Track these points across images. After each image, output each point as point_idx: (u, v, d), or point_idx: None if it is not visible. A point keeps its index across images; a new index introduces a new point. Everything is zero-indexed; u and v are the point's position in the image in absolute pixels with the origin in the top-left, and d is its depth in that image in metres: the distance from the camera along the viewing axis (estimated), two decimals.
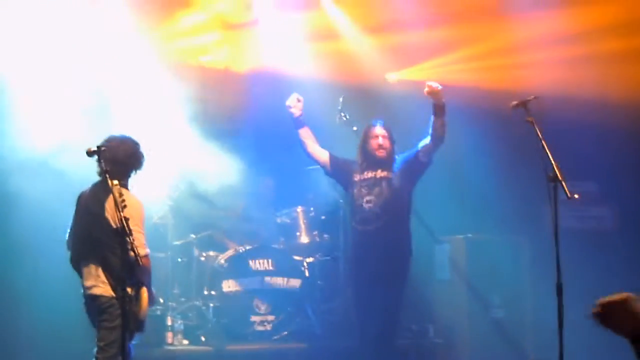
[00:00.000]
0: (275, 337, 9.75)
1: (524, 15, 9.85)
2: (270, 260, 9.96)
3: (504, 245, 10.08)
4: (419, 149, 8.42)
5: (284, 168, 10.28)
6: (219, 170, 9.73)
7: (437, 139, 8.29)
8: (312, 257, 10.42)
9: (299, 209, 10.54)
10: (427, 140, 8.33)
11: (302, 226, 10.58)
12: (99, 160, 6.37)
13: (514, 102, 6.80)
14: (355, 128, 9.31)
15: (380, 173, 8.50)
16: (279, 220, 10.51)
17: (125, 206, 6.25)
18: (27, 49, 9.38)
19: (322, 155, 8.79)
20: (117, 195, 6.22)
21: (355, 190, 8.53)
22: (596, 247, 9.85)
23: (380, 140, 8.54)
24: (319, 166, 8.92)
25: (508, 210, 10.30)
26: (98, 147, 6.32)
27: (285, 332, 9.81)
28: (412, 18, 10.25)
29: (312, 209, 10.62)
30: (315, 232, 10.59)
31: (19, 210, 9.00)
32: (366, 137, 8.65)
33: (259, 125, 10.58)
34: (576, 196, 6.39)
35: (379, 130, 8.61)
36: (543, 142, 6.49)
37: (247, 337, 9.67)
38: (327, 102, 10.03)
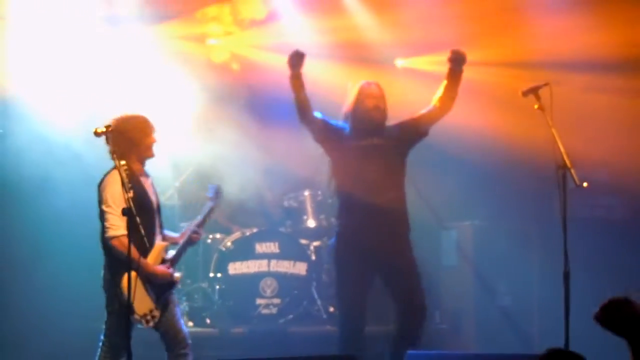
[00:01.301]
0: (281, 321, 9.75)
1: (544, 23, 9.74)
2: (276, 244, 9.96)
3: (512, 233, 10.06)
4: (421, 117, 7.54)
5: (291, 152, 10.25)
6: (226, 154, 9.73)
7: (445, 109, 7.49)
8: (318, 240, 10.42)
9: (307, 192, 10.52)
10: (432, 108, 7.50)
11: (309, 210, 10.55)
12: (107, 141, 6.34)
13: (525, 89, 6.77)
14: None
15: (376, 140, 7.47)
16: (286, 204, 10.50)
17: (131, 187, 6.24)
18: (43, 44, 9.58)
19: (316, 117, 7.57)
20: (124, 175, 6.19)
21: (354, 160, 7.44)
22: (605, 236, 9.82)
23: (377, 101, 7.53)
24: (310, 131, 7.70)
25: (516, 197, 10.28)
26: (106, 127, 6.29)
27: (291, 316, 9.80)
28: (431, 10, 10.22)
29: (319, 192, 10.61)
30: (323, 216, 10.57)
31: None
32: (360, 96, 7.55)
33: (266, 109, 10.59)
34: (585, 184, 6.37)
35: (374, 89, 7.59)
36: (553, 129, 6.46)
37: (253, 320, 9.67)
38: (336, 85, 10.06)
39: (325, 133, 7.52)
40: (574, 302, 6.21)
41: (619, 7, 9.32)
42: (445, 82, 7.46)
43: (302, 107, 7.39)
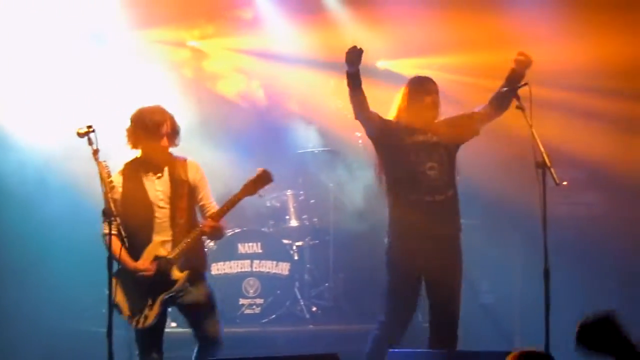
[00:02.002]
0: (264, 321, 9.76)
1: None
2: (259, 244, 9.97)
3: (494, 231, 10.08)
4: (474, 115, 7.29)
5: (273, 152, 10.25)
6: (208, 155, 9.74)
7: (501, 111, 7.17)
8: (301, 240, 10.44)
9: (289, 192, 10.56)
10: (487, 108, 7.22)
11: (292, 210, 10.59)
12: (89, 141, 6.33)
13: (504, 89, 6.80)
14: (347, 113, 9.14)
15: (431, 137, 7.21)
16: (268, 204, 10.52)
17: (113, 187, 6.25)
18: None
19: (374, 114, 7.22)
20: (105, 175, 6.19)
21: (411, 156, 7.15)
22: (586, 233, 9.86)
23: (434, 97, 7.25)
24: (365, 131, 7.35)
25: (498, 195, 10.30)
26: (88, 127, 6.29)
27: (274, 316, 9.82)
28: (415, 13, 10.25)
29: (301, 192, 10.65)
30: (305, 216, 10.62)
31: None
32: (417, 92, 7.25)
33: (249, 109, 10.62)
34: (564, 183, 6.39)
35: (431, 84, 7.30)
36: (532, 128, 6.49)
37: (236, 320, 9.68)
38: (318, 85, 10.13)
39: (382, 129, 7.20)
40: (555, 300, 6.23)
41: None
42: (506, 90, 7.07)
43: (360, 105, 7.06)
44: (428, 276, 7.24)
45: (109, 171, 6.30)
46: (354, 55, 6.92)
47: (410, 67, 10.82)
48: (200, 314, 6.86)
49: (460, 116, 7.35)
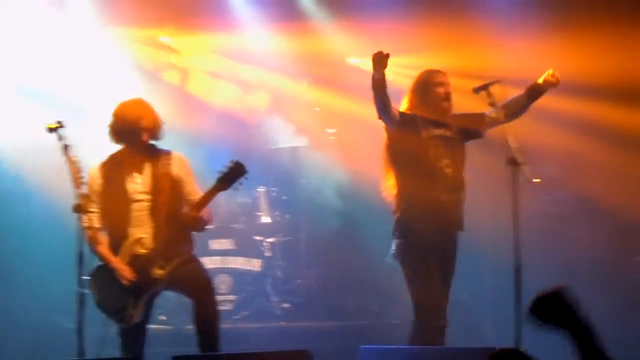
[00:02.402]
0: (236, 317, 9.74)
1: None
2: (231, 240, 9.96)
3: (466, 228, 10.10)
4: (484, 117, 7.02)
5: (245, 148, 10.23)
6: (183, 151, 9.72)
7: (513, 118, 6.94)
8: (273, 237, 10.43)
9: (261, 189, 10.54)
10: (500, 114, 6.87)
11: (264, 206, 10.58)
12: (59, 137, 6.30)
13: (476, 86, 6.80)
14: (317, 109, 9.27)
15: (446, 132, 6.97)
16: (240, 200, 10.49)
17: (82, 183, 6.22)
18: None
19: (395, 110, 6.90)
20: (75, 171, 6.17)
21: (430, 150, 6.88)
22: (557, 230, 9.90)
23: (447, 89, 6.98)
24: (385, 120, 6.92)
25: (470, 192, 10.32)
26: (58, 122, 6.27)
27: (246, 312, 9.81)
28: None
29: (274, 189, 10.64)
30: (277, 213, 10.60)
31: None
32: (428, 84, 6.98)
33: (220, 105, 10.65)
34: (536, 180, 6.41)
35: (443, 77, 7.02)
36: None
37: None
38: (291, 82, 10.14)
39: (404, 122, 6.87)
40: (527, 296, 6.24)
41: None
42: (523, 97, 6.97)
43: (384, 107, 6.75)
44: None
45: (79, 167, 6.26)
46: (379, 60, 6.58)
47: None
48: (195, 290, 6.76)
49: (472, 114, 7.10)
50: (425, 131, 6.88)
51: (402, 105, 7.01)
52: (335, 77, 10.71)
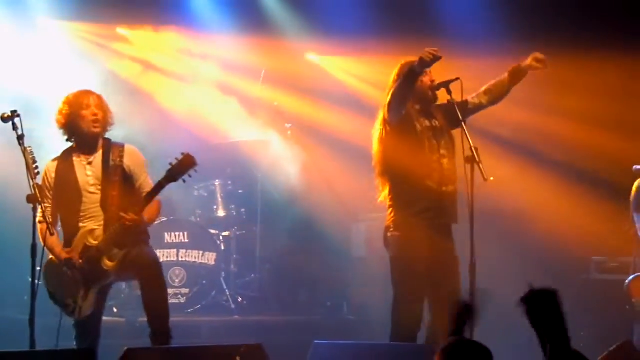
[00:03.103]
0: (189, 310, 9.71)
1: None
2: (186, 233, 9.92)
3: None
4: (467, 104, 6.94)
5: (201, 141, 10.19)
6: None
7: (495, 102, 7.03)
8: (228, 230, 10.41)
9: (217, 182, 10.51)
10: (482, 98, 6.98)
11: (220, 200, 10.55)
12: (13, 126, 6.24)
13: (436, 83, 6.79)
14: (276, 103, 9.24)
15: (435, 122, 6.88)
16: (196, 194, 10.46)
17: (37, 173, 6.17)
18: None
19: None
20: (30, 161, 6.11)
21: (425, 143, 6.78)
22: (512, 228, 9.95)
23: (431, 77, 6.87)
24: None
25: None
26: (12, 112, 6.21)
27: (199, 306, 9.77)
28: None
29: (229, 182, 10.61)
30: (233, 206, 10.58)
31: None
32: None
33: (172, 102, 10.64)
34: (491, 178, 6.43)
35: None
36: (463, 123, 6.51)
37: None
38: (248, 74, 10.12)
39: (405, 117, 6.76)
40: (480, 294, 6.27)
41: None
42: (506, 81, 6.97)
43: (404, 101, 6.67)
44: (433, 268, 6.76)
45: (33, 157, 6.21)
46: (431, 59, 6.44)
47: (336, 67, 10.95)
48: (141, 272, 6.72)
49: (453, 103, 6.76)
50: (418, 123, 6.81)
51: (387, 97, 6.85)
52: (294, 73, 10.72)
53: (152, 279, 6.71)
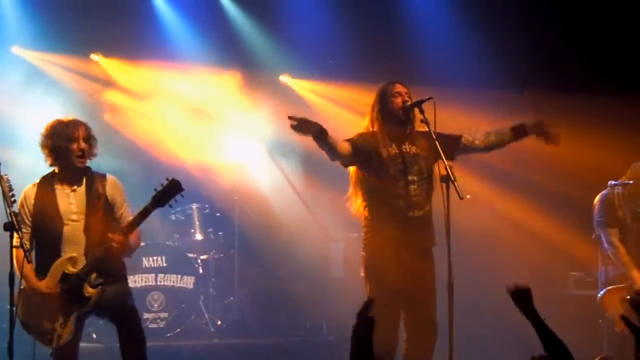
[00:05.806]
0: (169, 335, 9.69)
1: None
2: (163, 257, 9.90)
3: None
4: (458, 140, 6.93)
5: (179, 165, 10.19)
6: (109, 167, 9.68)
7: (490, 150, 7.07)
8: (206, 254, 10.41)
9: (194, 206, 10.52)
10: (474, 141, 6.96)
11: (197, 223, 10.56)
12: None
13: (408, 102, 6.78)
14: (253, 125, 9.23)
15: (410, 147, 6.79)
16: (173, 218, 10.46)
17: (14, 201, 6.15)
18: None
19: (345, 148, 6.69)
20: (6, 189, 6.09)
21: (391, 169, 6.67)
22: (489, 246, 9.98)
23: (404, 98, 6.78)
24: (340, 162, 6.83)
25: None
26: None
27: (179, 330, 9.75)
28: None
29: (206, 206, 10.62)
30: (210, 230, 10.59)
31: None
32: (385, 95, 6.82)
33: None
34: (467, 196, 6.44)
35: (400, 87, 6.83)
36: (437, 142, 6.51)
37: None
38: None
39: (357, 153, 6.70)
40: (459, 313, 6.28)
41: None
42: (507, 136, 6.95)
43: (332, 151, 6.60)
44: (406, 291, 6.65)
45: (10, 185, 6.18)
46: (300, 129, 6.45)
47: (307, 90, 11.00)
48: (121, 314, 6.72)
49: (447, 135, 6.81)
50: (385, 149, 6.72)
51: (364, 122, 6.90)
52: (265, 91, 10.77)
53: (133, 333, 6.76)
